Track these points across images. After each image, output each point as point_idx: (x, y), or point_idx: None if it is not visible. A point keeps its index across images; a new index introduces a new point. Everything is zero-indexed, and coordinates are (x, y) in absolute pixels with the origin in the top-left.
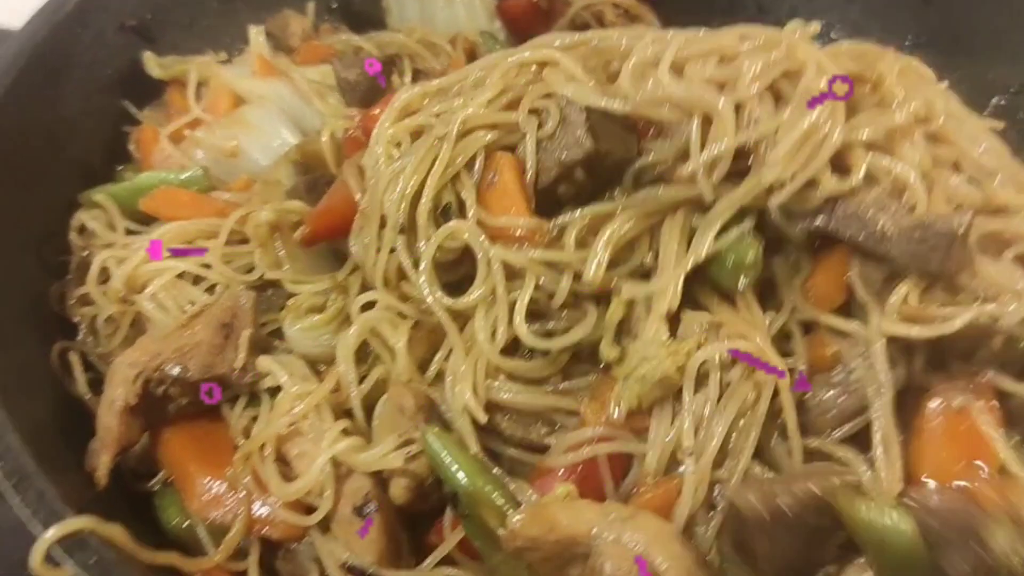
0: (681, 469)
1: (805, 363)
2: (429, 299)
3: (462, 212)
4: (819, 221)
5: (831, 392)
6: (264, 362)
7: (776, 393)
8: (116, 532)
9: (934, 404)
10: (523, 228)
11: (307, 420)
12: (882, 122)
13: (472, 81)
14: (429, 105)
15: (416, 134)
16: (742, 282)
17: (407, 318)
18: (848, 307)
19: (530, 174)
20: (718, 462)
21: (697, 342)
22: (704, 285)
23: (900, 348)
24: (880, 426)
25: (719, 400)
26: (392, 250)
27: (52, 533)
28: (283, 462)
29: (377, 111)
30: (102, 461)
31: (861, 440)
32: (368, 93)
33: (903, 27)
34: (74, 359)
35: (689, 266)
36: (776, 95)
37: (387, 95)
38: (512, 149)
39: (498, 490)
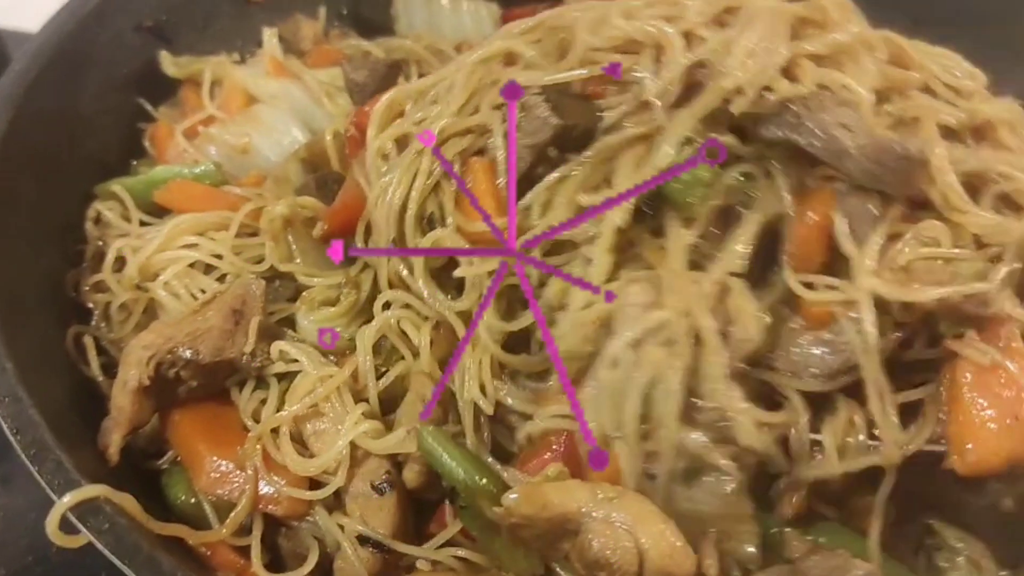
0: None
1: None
2: (430, 301)
3: (444, 220)
4: (780, 130)
5: (818, 350)
6: (285, 346)
7: None
8: (128, 501)
9: (963, 367)
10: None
11: (328, 401)
12: (827, 39)
13: (447, 84)
14: (412, 110)
15: (401, 143)
16: (699, 196)
17: (427, 319)
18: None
19: (502, 168)
20: (645, 433)
21: (598, 315)
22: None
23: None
24: (872, 380)
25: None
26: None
27: (68, 499)
28: (297, 441)
29: (368, 108)
30: (114, 439)
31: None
32: (376, 94)
33: None
34: (88, 343)
35: (648, 176)
36: (721, 24)
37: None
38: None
39: (493, 480)
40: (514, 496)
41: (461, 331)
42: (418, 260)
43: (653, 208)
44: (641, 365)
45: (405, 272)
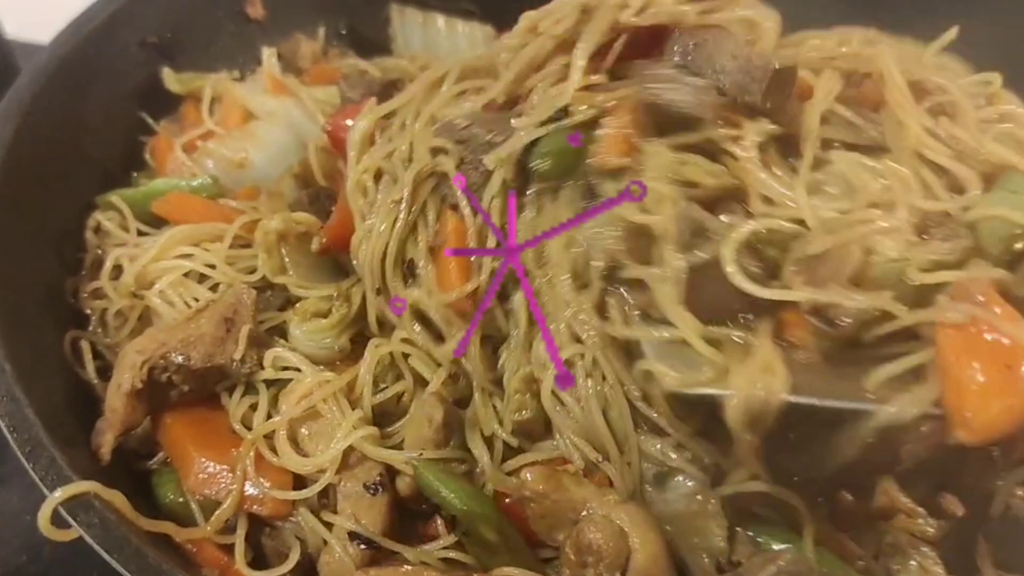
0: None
1: None
2: (419, 342)
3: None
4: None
5: None
6: (281, 353)
7: None
8: (117, 498)
9: (944, 334)
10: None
11: (325, 404)
12: None
13: (413, 111)
14: (381, 141)
15: (377, 175)
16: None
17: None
18: None
19: (463, 206)
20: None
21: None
22: None
23: None
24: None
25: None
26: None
27: (59, 494)
28: (291, 441)
29: (344, 121)
30: (106, 439)
31: None
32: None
33: None
34: (85, 347)
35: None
36: None
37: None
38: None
39: (490, 507)
40: (533, 473)
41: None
42: (404, 314)
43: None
44: (591, 396)
45: (393, 317)
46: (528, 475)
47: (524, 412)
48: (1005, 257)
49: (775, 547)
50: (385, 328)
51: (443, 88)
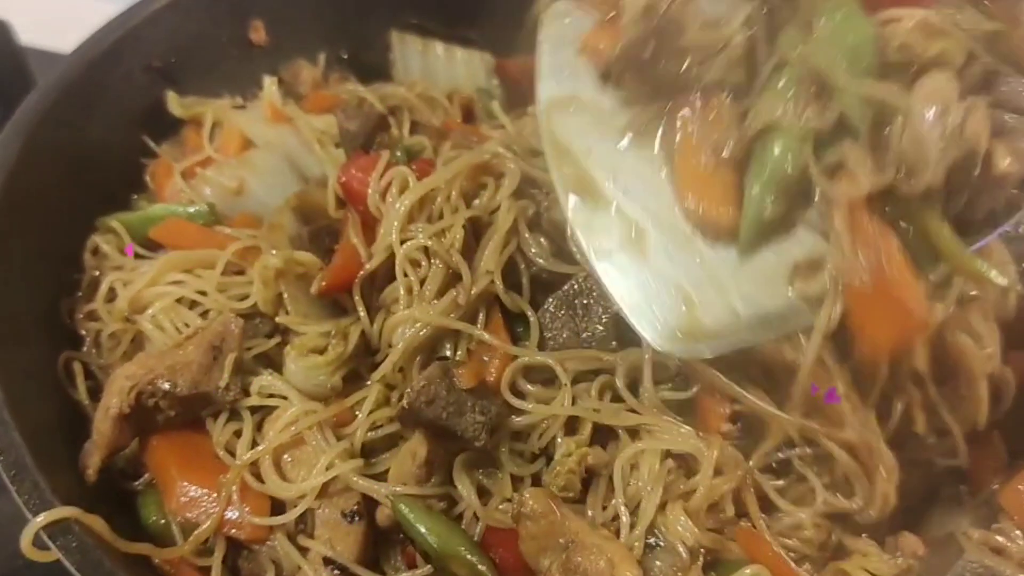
0: None
1: None
2: None
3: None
4: None
5: None
6: (269, 380)
7: None
8: (96, 522)
9: None
10: None
11: (311, 432)
12: None
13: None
14: (425, 228)
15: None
16: None
17: None
18: None
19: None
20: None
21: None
22: None
23: None
24: None
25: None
26: None
27: (40, 519)
28: (275, 465)
29: (356, 172)
30: (93, 461)
31: None
32: (365, 144)
33: None
34: (77, 368)
35: None
36: None
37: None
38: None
39: (465, 545)
40: (532, 494)
41: None
42: None
43: None
44: None
45: None
46: (528, 495)
47: (569, 492)
48: None
49: None
50: None
51: None
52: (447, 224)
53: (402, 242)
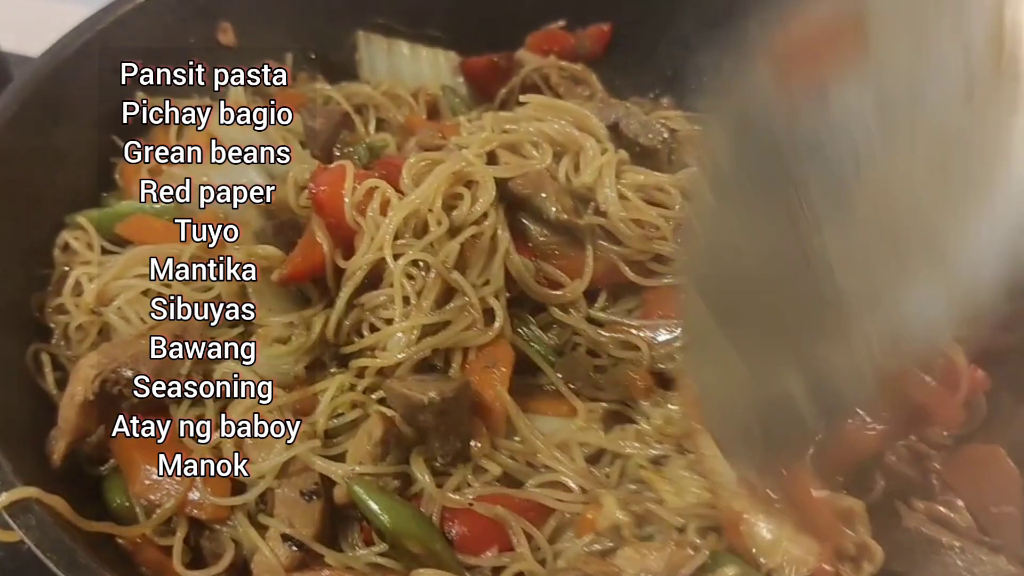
0: None
1: None
2: None
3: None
4: None
5: None
6: (232, 367)
7: None
8: (57, 502)
9: None
10: None
11: (271, 415)
12: None
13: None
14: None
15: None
16: None
17: None
18: None
19: None
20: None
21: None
22: None
23: None
24: None
25: None
26: None
27: (3, 499)
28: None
29: (323, 186)
30: (59, 446)
31: None
32: (327, 143)
33: None
34: (45, 359)
35: None
36: None
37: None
38: None
39: (418, 523)
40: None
41: None
42: None
43: None
44: None
45: None
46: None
47: None
48: None
49: None
50: None
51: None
52: (435, 237)
53: (395, 256)
